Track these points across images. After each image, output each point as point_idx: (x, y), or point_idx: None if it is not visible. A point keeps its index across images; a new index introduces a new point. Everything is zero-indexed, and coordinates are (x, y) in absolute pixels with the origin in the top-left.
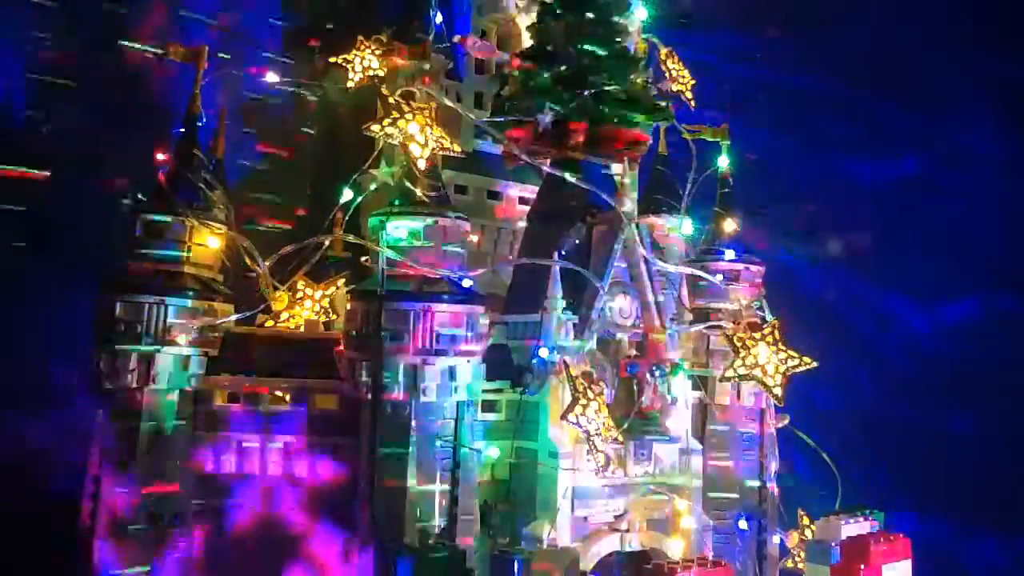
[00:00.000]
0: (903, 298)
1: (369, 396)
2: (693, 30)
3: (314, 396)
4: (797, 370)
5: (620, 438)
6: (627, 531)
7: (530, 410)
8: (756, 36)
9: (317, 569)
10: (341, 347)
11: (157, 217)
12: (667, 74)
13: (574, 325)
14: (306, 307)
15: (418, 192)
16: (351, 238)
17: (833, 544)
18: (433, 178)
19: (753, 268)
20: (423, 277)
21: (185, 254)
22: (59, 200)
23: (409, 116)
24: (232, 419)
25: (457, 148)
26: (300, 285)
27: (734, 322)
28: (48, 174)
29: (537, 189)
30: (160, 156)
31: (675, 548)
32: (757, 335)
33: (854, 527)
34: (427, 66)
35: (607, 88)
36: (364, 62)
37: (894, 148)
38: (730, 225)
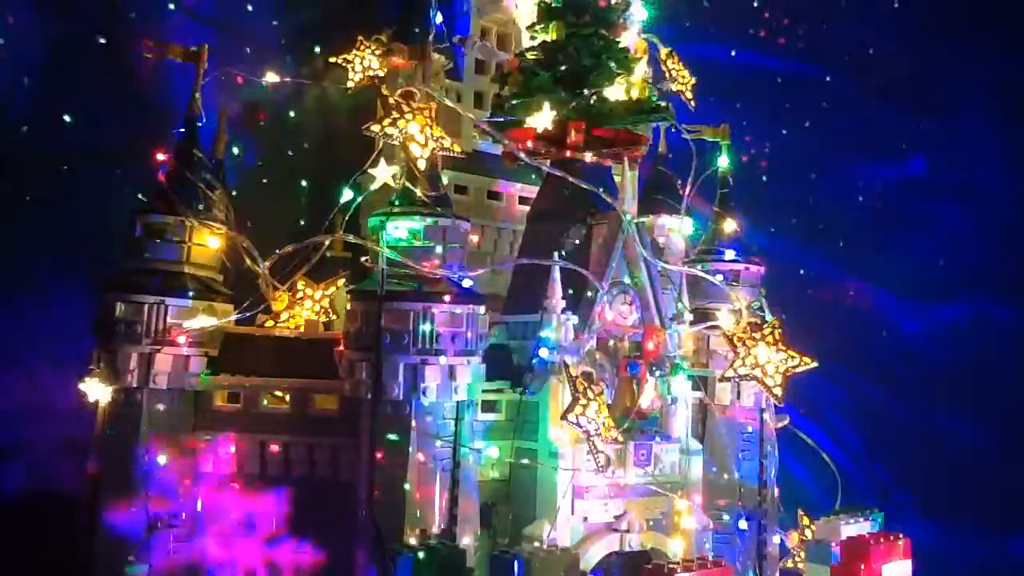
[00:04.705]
0: (903, 299)
1: (369, 396)
2: (694, 28)
3: (314, 396)
4: (797, 370)
5: (620, 438)
6: (627, 531)
7: (530, 410)
8: (756, 37)
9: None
10: (341, 347)
11: (157, 217)
12: (667, 74)
13: (574, 325)
14: (306, 307)
15: (418, 192)
16: (351, 238)
17: (833, 544)
18: (433, 178)
19: (753, 268)
20: (423, 277)
21: (185, 254)
22: (59, 200)
23: (409, 116)
24: (232, 420)
25: (457, 148)
26: (300, 285)
27: (734, 322)
28: None
29: (537, 189)
30: (160, 156)
31: (675, 548)
32: (757, 335)
33: (854, 527)
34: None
35: (607, 88)
36: (364, 62)
37: (893, 150)
38: (730, 225)
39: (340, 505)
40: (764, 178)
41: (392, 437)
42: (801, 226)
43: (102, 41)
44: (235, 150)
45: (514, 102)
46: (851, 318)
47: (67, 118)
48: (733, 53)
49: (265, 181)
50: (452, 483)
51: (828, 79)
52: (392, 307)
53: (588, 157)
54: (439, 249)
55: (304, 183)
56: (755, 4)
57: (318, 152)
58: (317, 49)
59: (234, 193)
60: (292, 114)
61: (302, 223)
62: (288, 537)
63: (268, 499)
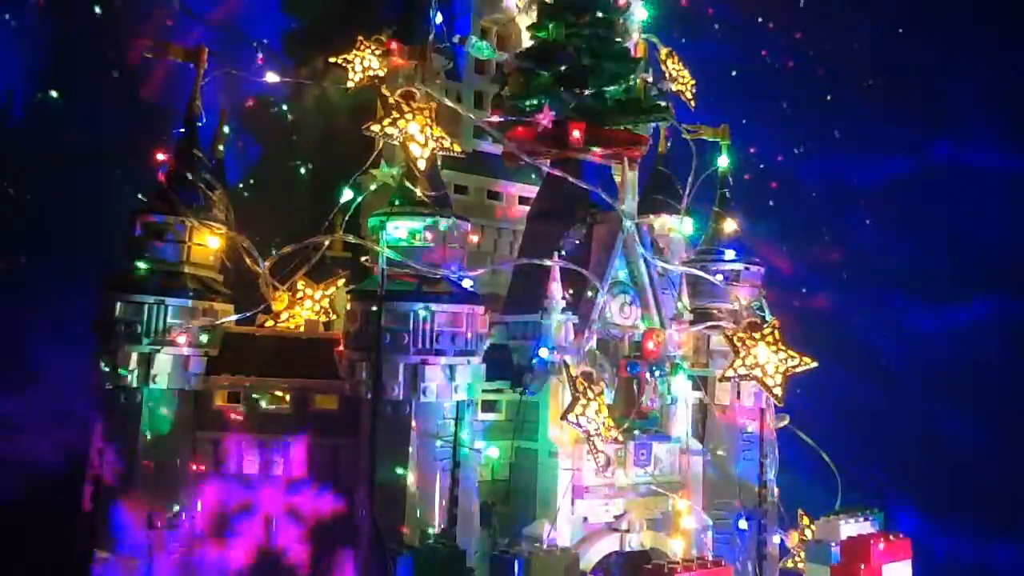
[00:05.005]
0: (903, 299)
1: (369, 396)
2: (693, 29)
3: (314, 396)
4: (797, 370)
5: (620, 438)
6: (627, 531)
7: (530, 410)
8: (757, 39)
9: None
10: (341, 347)
11: (157, 217)
12: (667, 74)
13: (574, 325)
14: (306, 307)
15: (418, 192)
16: (351, 238)
17: (833, 544)
18: (433, 178)
19: (753, 268)
20: (423, 277)
21: (185, 254)
22: (59, 200)
23: (409, 116)
24: (232, 419)
25: (457, 148)
26: (300, 285)
27: (734, 322)
28: None
29: (537, 189)
30: (160, 156)
31: (675, 548)
32: (757, 335)
33: (854, 527)
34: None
35: (607, 88)
36: (364, 62)
37: (895, 151)
38: (730, 225)
39: (340, 504)
40: (764, 180)
41: (392, 437)
42: (801, 227)
43: (101, 40)
44: (230, 146)
45: (514, 102)
46: (851, 318)
47: (54, 93)
48: (734, 73)
49: (257, 182)
50: (452, 483)
51: (828, 92)
52: (392, 307)
53: (588, 157)
54: (439, 249)
55: (304, 180)
56: (759, 18)
57: (318, 152)
58: (317, 49)
59: (240, 185)
60: (291, 114)
61: (304, 223)
62: (288, 537)
63: (267, 498)
